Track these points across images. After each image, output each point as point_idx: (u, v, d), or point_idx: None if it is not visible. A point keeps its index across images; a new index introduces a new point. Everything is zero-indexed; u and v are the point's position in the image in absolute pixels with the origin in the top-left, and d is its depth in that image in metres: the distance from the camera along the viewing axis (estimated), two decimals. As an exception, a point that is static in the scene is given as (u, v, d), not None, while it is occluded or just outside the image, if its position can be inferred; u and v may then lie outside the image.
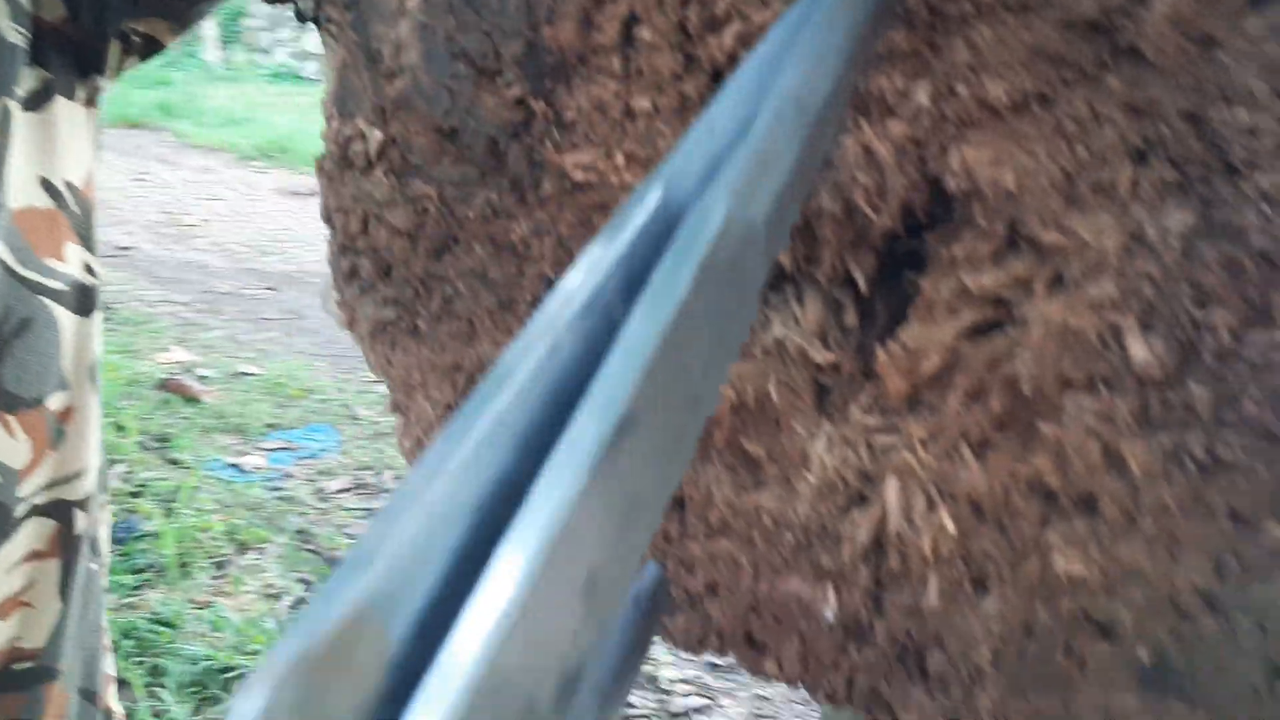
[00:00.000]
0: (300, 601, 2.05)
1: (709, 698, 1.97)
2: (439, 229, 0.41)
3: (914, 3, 0.29)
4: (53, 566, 0.61)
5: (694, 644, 0.47)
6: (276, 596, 2.07)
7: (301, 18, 0.42)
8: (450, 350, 0.44)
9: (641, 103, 0.34)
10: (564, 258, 0.39)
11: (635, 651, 0.44)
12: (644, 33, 0.33)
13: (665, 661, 2.05)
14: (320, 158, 0.41)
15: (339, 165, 0.41)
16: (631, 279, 0.19)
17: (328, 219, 0.43)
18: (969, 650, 0.39)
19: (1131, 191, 0.28)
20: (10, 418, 0.56)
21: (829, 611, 0.41)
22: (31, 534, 0.59)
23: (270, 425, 2.87)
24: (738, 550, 0.42)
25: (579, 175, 0.36)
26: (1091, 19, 0.28)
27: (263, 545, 2.24)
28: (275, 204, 5.67)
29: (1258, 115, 0.27)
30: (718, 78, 0.33)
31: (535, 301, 0.41)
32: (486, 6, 0.35)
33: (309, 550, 2.25)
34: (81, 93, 0.60)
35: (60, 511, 0.61)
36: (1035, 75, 0.29)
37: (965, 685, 0.40)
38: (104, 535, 0.67)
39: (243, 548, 2.23)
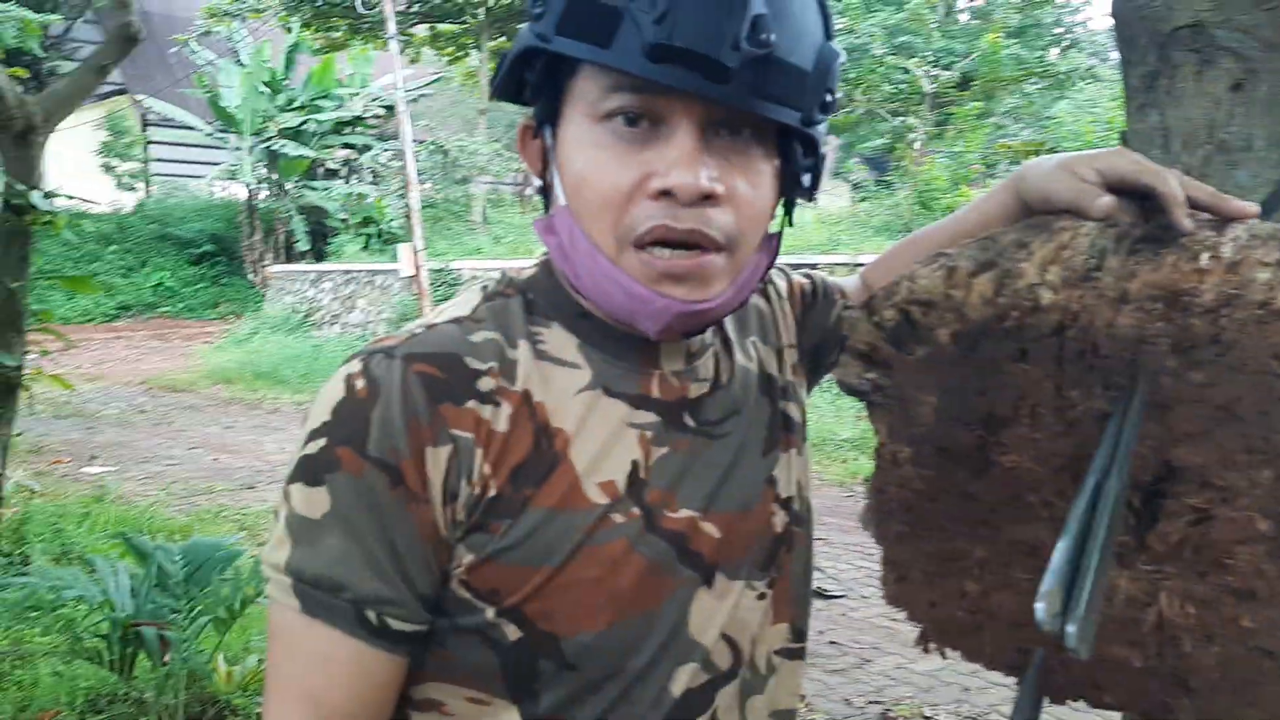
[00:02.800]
0: None
1: None
2: (935, 489, 0.92)
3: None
4: None
5: (1061, 694, 0.93)
6: None
7: (856, 393, 0.96)
8: (935, 544, 0.94)
9: (1036, 435, 0.85)
10: (998, 500, 0.89)
11: (1037, 704, 0.92)
12: (1040, 409, 0.84)
13: None
14: (877, 462, 0.94)
15: (888, 465, 0.93)
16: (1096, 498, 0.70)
17: (878, 489, 0.95)
18: (1207, 673, 0.84)
19: (1234, 461, 0.77)
20: None
21: (1136, 662, 0.87)
22: None
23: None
24: (1087, 636, 0.89)
25: (1008, 464, 0.87)
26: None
27: None
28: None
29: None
30: (1073, 426, 0.83)
31: (983, 520, 0.91)
32: (966, 401, 0.87)
33: None
34: None
35: None
36: (1210, 420, 0.79)
37: (1208, 692, 0.85)
38: None
39: None
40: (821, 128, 0.84)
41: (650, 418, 0.88)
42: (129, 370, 13.35)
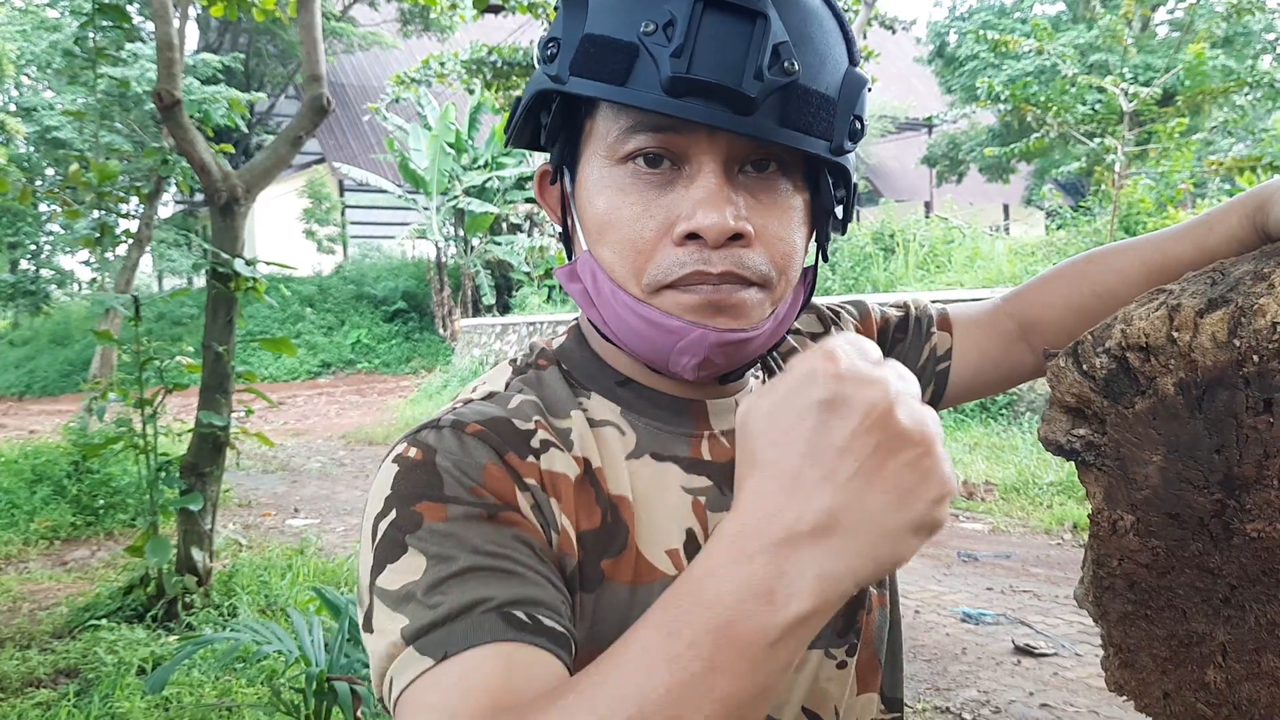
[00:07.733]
0: None
1: None
2: (1165, 563, 0.79)
3: None
4: None
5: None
6: None
7: (1064, 452, 0.83)
8: (1167, 626, 0.81)
9: (1290, 500, 0.71)
10: (1243, 575, 0.76)
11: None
12: (1293, 470, 0.70)
13: None
14: (1092, 530, 0.82)
15: (1107, 533, 0.81)
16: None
17: (1096, 560, 0.82)
18: None
19: None
20: None
21: None
22: None
23: None
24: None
25: (1253, 534, 0.74)
26: None
27: None
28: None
29: None
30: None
31: (1225, 598, 0.77)
32: (1200, 460, 0.74)
33: None
34: None
35: None
36: None
37: None
38: None
39: None
40: (851, 156, 0.79)
41: (703, 482, 0.83)
42: (330, 425, 14.04)
